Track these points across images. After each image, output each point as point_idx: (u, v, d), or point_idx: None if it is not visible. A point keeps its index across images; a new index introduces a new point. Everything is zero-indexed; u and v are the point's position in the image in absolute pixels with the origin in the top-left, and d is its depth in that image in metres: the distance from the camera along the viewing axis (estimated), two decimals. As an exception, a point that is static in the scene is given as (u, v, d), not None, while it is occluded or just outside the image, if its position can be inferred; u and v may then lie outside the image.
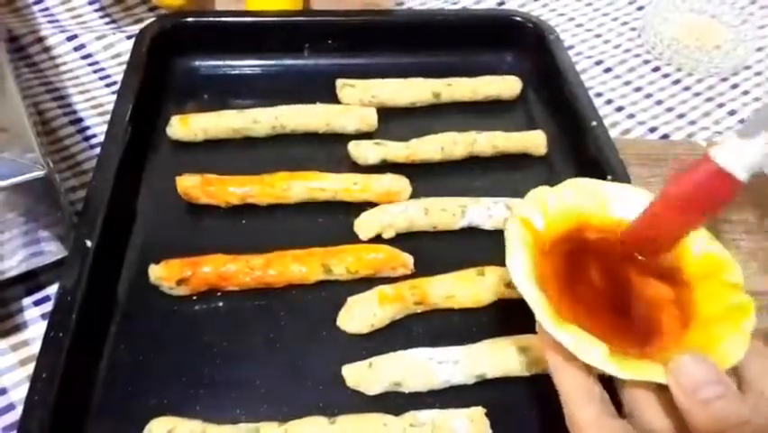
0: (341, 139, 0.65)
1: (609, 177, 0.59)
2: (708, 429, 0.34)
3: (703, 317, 0.40)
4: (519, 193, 0.59)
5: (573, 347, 0.36)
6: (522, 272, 0.40)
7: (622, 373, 0.36)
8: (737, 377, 0.37)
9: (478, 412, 0.46)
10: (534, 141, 0.66)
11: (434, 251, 0.57)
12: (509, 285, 0.53)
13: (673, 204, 0.42)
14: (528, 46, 0.75)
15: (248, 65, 0.73)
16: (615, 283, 0.43)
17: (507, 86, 0.72)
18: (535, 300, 0.38)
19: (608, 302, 0.42)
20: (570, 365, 0.37)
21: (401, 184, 0.60)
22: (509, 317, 0.53)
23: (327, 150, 0.65)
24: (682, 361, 0.35)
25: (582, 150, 0.64)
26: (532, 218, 0.43)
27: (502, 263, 0.54)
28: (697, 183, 0.41)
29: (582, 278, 0.43)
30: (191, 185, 0.58)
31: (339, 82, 0.69)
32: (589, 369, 0.37)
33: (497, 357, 0.49)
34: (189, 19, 0.71)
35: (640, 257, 0.44)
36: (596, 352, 0.36)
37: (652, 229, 0.43)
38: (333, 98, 0.68)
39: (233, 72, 0.73)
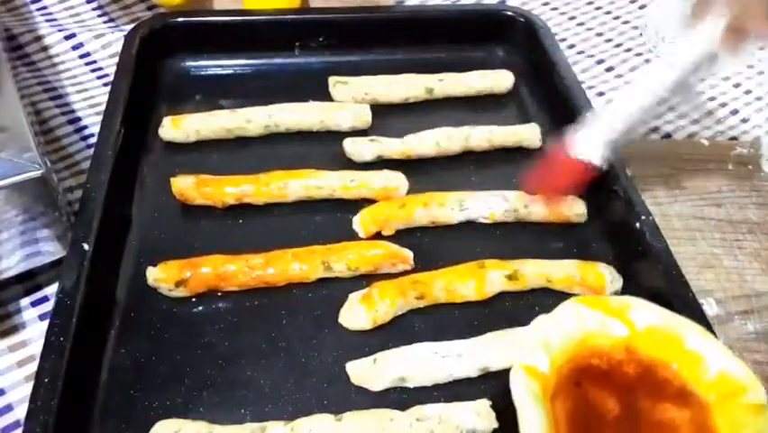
0: (335, 137, 0.65)
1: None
2: None
3: None
4: (515, 186, 0.60)
5: None
6: None
7: None
8: None
9: (483, 405, 0.46)
10: (529, 134, 0.66)
11: (434, 246, 0.57)
12: (510, 277, 0.53)
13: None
14: (519, 40, 0.75)
15: (239, 65, 0.72)
16: (631, 413, 0.41)
17: (499, 80, 0.71)
18: None
19: None
20: None
21: (398, 180, 0.60)
22: (511, 308, 0.53)
23: (322, 148, 0.64)
24: None
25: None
26: (537, 364, 0.41)
27: (501, 256, 0.54)
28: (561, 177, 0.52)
29: (597, 414, 0.41)
30: (186, 186, 0.58)
31: (331, 80, 0.69)
32: None
33: (500, 349, 0.49)
34: (179, 19, 0.71)
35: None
36: None
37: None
38: (325, 96, 0.68)
39: (224, 72, 0.72)
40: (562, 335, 0.43)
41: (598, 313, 0.44)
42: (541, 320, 0.44)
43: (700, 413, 0.41)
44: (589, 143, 0.52)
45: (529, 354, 0.41)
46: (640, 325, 0.44)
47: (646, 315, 0.44)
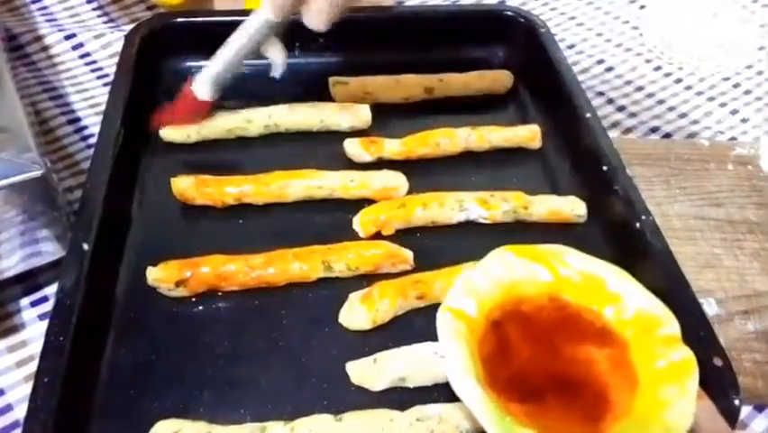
0: (335, 137, 0.65)
1: (605, 167, 0.59)
2: None
3: (647, 378, 0.40)
4: (515, 186, 0.60)
5: None
6: (463, 377, 0.38)
7: None
8: None
9: None
10: (529, 134, 0.66)
11: (434, 246, 0.57)
12: None
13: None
14: (519, 40, 0.75)
15: (239, 65, 0.72)
16: (554, 356, 0.42)
17: (498, 80, 0.71)
18: (482, 410, 0.37)
19: (552, 379, 0.41)
20: None
21: (398, 180, 0.60)
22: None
23: (322, 148, 0.64)
24: None
25: (576, 142, 0.64)
26: (463, 307, 0.42)
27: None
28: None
29: (523, 357, 0.42)
30: (186, 186, 0.58)
31: (331, 80, 0.69)
32: None
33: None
34: (179, 19, 0.71)
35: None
36: None
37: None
38: (325, 96, 0.68)
39: (224, 72, 0.72)
40: (489, 281, 0.44)
41: (524, 260, 0.45)
42: (469, 268, 0.44)
43: (619, 350, 0.42)
44: (201, 81, 0.60)
45: (455, 299, 0.42)
46: (564, 271, 0.45)
47: (571, 261, 0.45)
